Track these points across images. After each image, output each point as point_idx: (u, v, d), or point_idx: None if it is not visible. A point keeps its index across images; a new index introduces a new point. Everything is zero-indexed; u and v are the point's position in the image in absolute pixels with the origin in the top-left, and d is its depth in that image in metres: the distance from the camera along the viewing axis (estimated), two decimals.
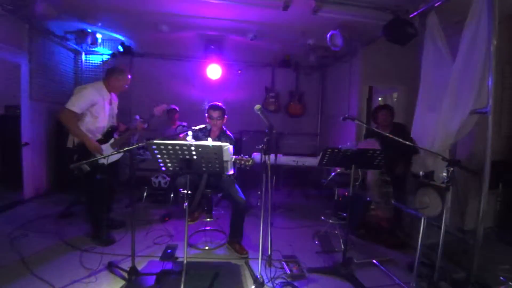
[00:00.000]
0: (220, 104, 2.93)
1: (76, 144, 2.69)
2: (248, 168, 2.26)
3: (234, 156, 2.16)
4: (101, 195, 2.79)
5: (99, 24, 4.17)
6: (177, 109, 4.61)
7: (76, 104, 2.61)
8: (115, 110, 3.03)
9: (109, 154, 2.43)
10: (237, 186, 2.85)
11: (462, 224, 3.09)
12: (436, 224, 2.63)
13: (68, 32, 4.50)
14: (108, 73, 2.88)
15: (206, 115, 2.92)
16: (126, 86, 2.97)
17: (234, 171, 2.19)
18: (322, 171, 5.28)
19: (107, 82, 2.85)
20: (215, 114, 2.86)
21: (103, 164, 2.69)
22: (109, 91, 2.88)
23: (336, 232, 3.28)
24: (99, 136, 2.80)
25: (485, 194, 2.25)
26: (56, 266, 2.34)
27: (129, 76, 2.96)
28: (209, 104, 2.95)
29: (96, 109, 2.73)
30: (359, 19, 3.44)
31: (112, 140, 2.89)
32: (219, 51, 4.92)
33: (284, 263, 2.54)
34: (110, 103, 2.90)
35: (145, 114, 3.21)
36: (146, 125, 3.03)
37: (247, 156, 2.28)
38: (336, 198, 3.47)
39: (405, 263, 2.64)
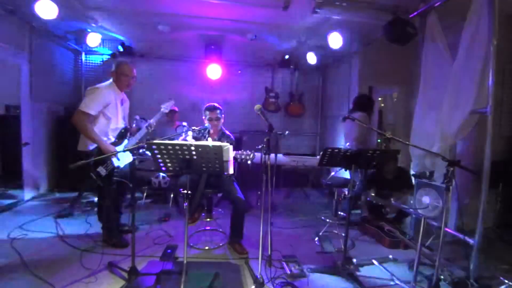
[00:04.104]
0: (216, 104, 2.92)
1: (92, 148, 2.58)
2: (249, 162, 2.25)
3: (234, 152, 2.15)
4: (116, 197, 2.77)
5: (99, 24, 4.17)
6: (177, 109, 4.61)
7: (90, 106, 2.49)
8: (127, 111, 2.93)
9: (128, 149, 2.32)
10: (236, 186, 2.85)
11: (462, 224, 3.09)
12: (436, 224, 2.63)
13: (68, 32, 4.50)
14: (112, 70, 2.77)
15: (203, 117, 2.91)
16: (133, 79, 2.80)
17: (234, 171, 2.19)
18: (322, 171, 5.28)
19: (115, 80, 2.73)
20: (213, 114, 2.86)
21: (119, 166, 2.67)
22: (120, 90, 2.77)
23: (336, 232, 3.28)
24: (112, 139, 2.69)
25: (485, 194, 2.25)
26: (56, 266, 2.34)
27: (134, 70, 2.80)
28: (205, 105, 2.94)
29: (109, 110, 2.63)
30: (359, 19, 3.44)
31: (126, 142, 2.78)
32: (219, 51, 4.92)
33: (284, 263, 2.54)
34: (122, 103, 2.80)
35: (145, 114, 3.21)
36: (154, 123, 2.97)
37: (247, 151, 2.28)
38: (336, 198, 3.47)
39: (405, 263, 2.64)
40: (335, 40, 3.80)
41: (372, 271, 2.53)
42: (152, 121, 2.89)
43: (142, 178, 4.51)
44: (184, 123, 4.53)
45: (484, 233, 2.31)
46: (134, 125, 3.05)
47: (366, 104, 3.76)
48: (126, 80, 2.75)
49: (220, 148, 1.85)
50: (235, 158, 2.20)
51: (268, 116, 2.21)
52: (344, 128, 4.01)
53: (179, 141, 2.73)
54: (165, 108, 2.95)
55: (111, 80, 2.74)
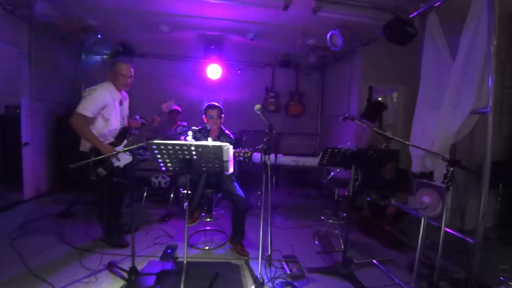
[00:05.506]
0: (217, 103, 2.95)
1: (89, 148, 2.58)
2: (247, 160, 2.26)
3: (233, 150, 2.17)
4: (116, 198, 2.77)
5: (99, 24, 4.17)
6: (180, 110, 4.61)
7: (87, 108, 2.49)
8: (126, 111, 2.91)
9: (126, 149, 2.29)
10: (236, 184, 2.85)
11: (462, 224, 3.09)
12: (436, 224, 2.63)
13: (69, 32, 4.49)
14: (110, 70, 2.75)
15: (204, 115, 2.93)
16: (131, 79, 2.78)
17: (234, 170, 2.20)
18: (322, 171, 5.28)
19: (113, 80, 2.72)
20: (213, 112, 2.88)
21: (118, 167, 2.67)
22: (118, 90, 2.75)
23: (336, 232, 3.28)
24: (111, 139, 2.68)
25: (485, 194, 2.25)
26: (56, 266, 2.34)
27: (132, 69, 2.78)
28: (206, 104, 2.96)
29: (107, 111, 2.61)
30: (359, 19, 3.44)
31: (125, 142, 2.75)
32: (219, 51, 4.92)
33: (284, 263, 2.53)
34: (121, 103, 2.78)
35: (145, 114, 3.21)
36: (159, 119, 2.97)
37: (245, 149, 2.30)
38: (336, 198, 3.47)
39: (405, 263, 2.64)
40: (335, 40, 3.80)
41: (372, 271, 2.53)
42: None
43: (142, 178, 4.51)
44: (184, 123, 4.55)
45: (484, 233, 2.31)
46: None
47: (371, 112, 4.00)
48: (123, 80, 2.73)
49: (220, 148, 1.85)
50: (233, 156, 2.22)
51: (268, 116, 2.22)
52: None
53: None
54: (165, 107, 2.95)
55: (108, 80, 2.73)
